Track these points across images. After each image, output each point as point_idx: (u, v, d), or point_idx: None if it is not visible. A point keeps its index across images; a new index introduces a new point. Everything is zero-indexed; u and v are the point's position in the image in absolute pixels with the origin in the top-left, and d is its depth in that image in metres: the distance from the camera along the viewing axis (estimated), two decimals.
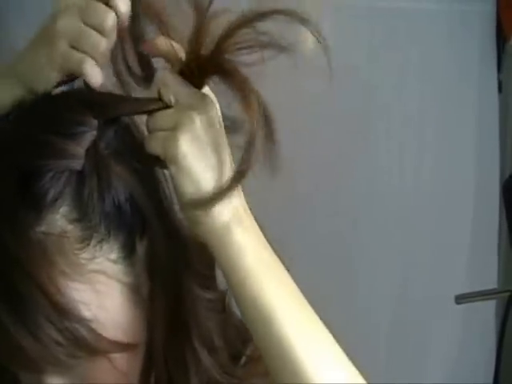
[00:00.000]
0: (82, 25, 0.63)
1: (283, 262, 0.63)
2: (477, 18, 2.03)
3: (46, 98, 0.64)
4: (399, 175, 2.01)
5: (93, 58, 0.62)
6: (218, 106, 0.64)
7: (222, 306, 0.69)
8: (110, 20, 0.63)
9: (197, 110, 0.61)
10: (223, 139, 0.63)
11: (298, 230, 1.98)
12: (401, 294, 2.00)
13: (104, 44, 0.63)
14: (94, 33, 0.63)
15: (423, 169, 2.02)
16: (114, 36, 0.64)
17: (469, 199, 2.03)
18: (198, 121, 0.60)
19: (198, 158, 0.59)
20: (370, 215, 2.00)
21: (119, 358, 0.60)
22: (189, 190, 0.59)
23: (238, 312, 0.72)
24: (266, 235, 0.64)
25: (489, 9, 2.02)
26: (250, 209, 0.65)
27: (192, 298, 0.64)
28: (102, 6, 0.63)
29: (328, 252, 1.98)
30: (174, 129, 0.59)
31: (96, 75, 0.63)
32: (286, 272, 0.63)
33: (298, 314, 0.59)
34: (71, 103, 0.62)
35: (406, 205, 2.00)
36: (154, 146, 0.61)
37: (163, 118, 0.61)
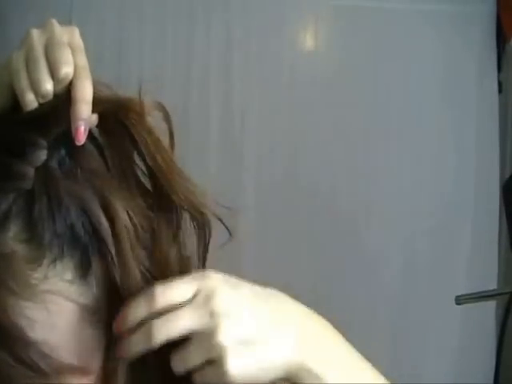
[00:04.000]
0: (43, 55, 0.61)
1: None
2: (477, 18, 2.03)
3: None
4: (399, 175, 2.01)
5: (34, 92, 0.60)
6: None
7: None
8: (64, 69, 0.61)
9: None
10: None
11: (298, 231, 1.98)
12: (401, 295, 2.00)
13: (49, 87, 0.60)
14: (45, 70, 0.61)
15: (423, 169, 2.02)
16: (62, 85, 0.61)
17: (469, 200, 2.03)
18: (225, 321, 0.56)
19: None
20: (370, 216, 2.00)
21: (74, 381, 0.58)
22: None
23: None
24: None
25: (489, 9, 2.02)
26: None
27: None
28: (68, 54, 0.61)
29: (328, 252, 1.98)
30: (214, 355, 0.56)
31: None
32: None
33: None
34: (20, 123, 0.60)
35: (405, 205, 2.00)
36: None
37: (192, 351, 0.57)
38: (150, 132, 0.62)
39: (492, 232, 2.01)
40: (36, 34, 0.62)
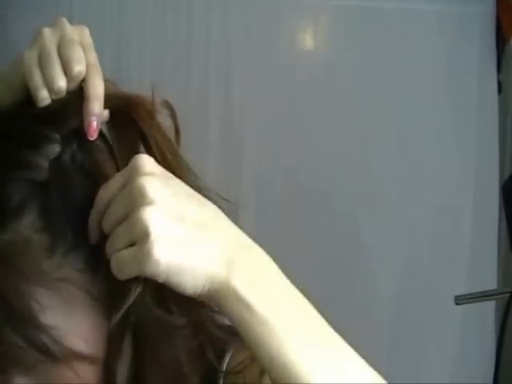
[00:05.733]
0: (56, 53, 0.63)
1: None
2: (476, 19, 2.03)
3: (10, 112, 0.64)
4: (399, 176, 2.01)
5: (48, 89, 0.62)
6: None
7: (192, 332, 0.63)
8: (77, 67, 0.62)
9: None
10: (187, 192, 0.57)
11: (298, 231, 1.98)
12: (401, 295, 2.01)
13: (63, 84, 0.62)
14: (58, 68, 0.62)
15: (423, 169, 2.02)
16: (75, 82, 0.63)
17: (468, 200, 2.04)
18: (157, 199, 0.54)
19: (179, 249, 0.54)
20: (370, 216, 2.00)
21: (82, 367, 0.59)
22: (189, 285, 0.54)
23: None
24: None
25: (488, 10, 2.03)
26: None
27: (154, 321, 0.61)
28: (80, 52, 0.63)
29: (328, 252, 1.98)
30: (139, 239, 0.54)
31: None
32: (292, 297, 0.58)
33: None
34: (34, 118, 0.62)
35: (405, 205, 2.00)
36: (125, 269, 0.55)
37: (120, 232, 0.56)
38: (159, 128, 0.64)
39: (491, 232, 2.02)
40: (48, 33, 0.63)
